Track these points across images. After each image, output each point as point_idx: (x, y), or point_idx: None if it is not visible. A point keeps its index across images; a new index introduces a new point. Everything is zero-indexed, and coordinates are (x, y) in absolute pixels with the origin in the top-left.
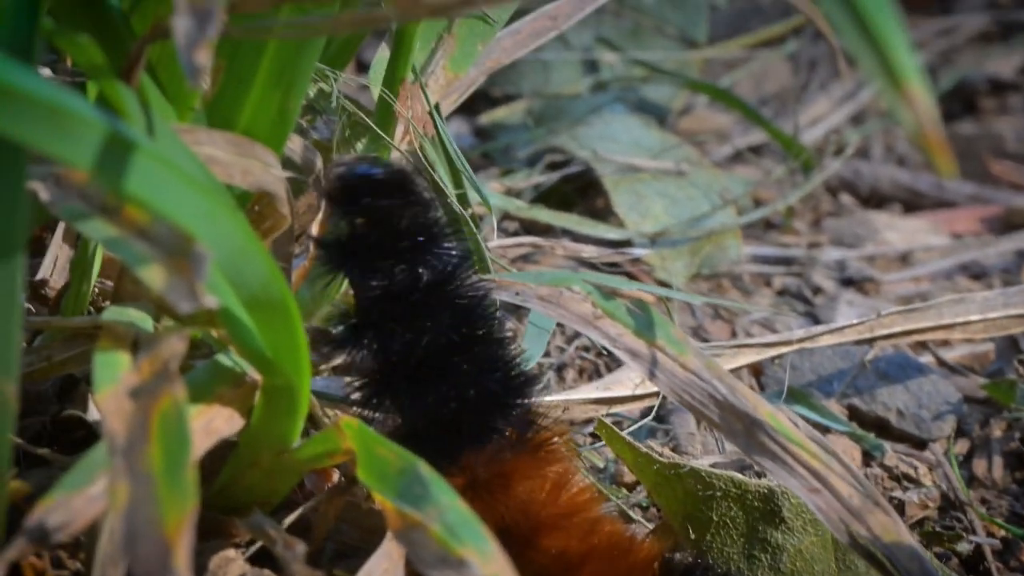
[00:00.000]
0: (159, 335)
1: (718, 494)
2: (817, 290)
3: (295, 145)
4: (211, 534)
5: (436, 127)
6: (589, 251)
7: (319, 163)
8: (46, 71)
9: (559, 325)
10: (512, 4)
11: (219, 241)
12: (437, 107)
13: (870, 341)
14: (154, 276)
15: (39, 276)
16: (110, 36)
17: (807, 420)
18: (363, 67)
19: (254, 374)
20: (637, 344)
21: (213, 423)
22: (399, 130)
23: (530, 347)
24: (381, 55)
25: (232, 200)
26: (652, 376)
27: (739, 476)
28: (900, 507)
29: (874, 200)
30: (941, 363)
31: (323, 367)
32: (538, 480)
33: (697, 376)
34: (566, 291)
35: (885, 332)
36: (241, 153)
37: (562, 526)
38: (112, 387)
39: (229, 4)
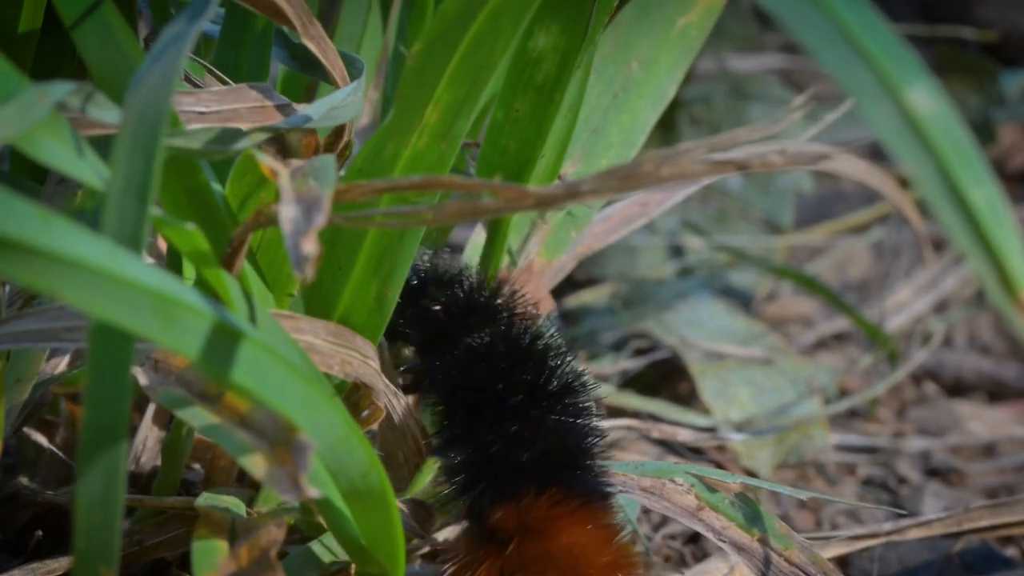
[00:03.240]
0: (256, 521)
1: None
2: (902, 480)
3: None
4: None
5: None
6: (684, 435)
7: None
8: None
9: (645, 512)
10: (612, 195)
11: (320, 430)
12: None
13: (957, 535)
14: (256, 466)
15: (130, 458)
16: (212, 221)
17: None
18: (452, 248)
19: (348, 562)
20: (743, 538)
21: None
22: None
23: None
24: (476, 239)
25: (332, 389)
26: (757, 570)
27: None
28: None
29: (958, 389)
30: None
31: (416, 555)
32: (592, 543)
33: (802, 571)
34: (669, 483)
35: (972, 526)
36: (340, 343)
37: None
38: (211, 575)
39: (335, 192)
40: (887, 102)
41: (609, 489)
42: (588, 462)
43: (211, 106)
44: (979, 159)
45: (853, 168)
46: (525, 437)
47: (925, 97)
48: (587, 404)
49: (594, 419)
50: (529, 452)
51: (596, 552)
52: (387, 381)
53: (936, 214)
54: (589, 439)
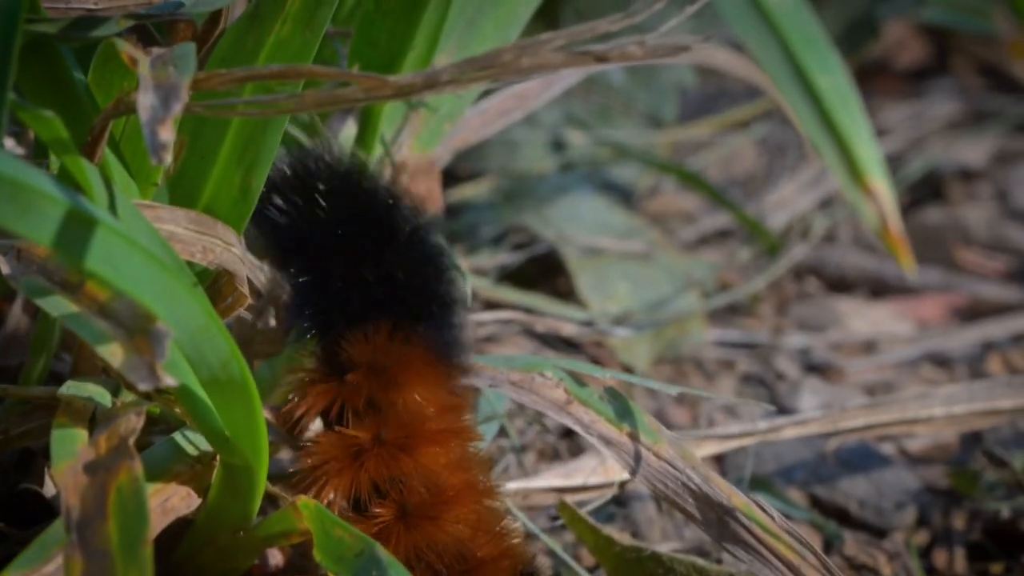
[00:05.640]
0: (117, 411)
1: None
2: (780, 376)
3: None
4: None
5: None
6: (561, 328)
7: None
8: (9, 143)
9: (519, 406)
10: (478, 87)
11: (179, 319)
12: None
13: (833, 433)
14: (113, 354)
15: None
16: (74, 110)
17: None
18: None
19: (211, 453)
20: (611, 431)
21: (169, 501)
22: None
23: (484, 428)
24: (347, 132)
25: (193, 278)
26: (626, 464)
27: (700, 561)
28: None
29: (840, 286)
30: (903, 453)
31: (282, 447)
32: (435, 394)
33: (671, 465)
34: (538, 376)
35: (848, 425)
36: (202, 231)
37: (440, 442)
38: (69, 462)
39: (193, 81)
40: None
41: (464, 342)
42: (444, 306)
43: None
44: (827, 45)
45: (722, 59)
46: (376, 276)
47: None
48: (441, 251)
49: (451, 267)
50: (381, 289)
51: (437, 415)
52: (250, 260)
53: (782, 99)
54: (445, 282)
